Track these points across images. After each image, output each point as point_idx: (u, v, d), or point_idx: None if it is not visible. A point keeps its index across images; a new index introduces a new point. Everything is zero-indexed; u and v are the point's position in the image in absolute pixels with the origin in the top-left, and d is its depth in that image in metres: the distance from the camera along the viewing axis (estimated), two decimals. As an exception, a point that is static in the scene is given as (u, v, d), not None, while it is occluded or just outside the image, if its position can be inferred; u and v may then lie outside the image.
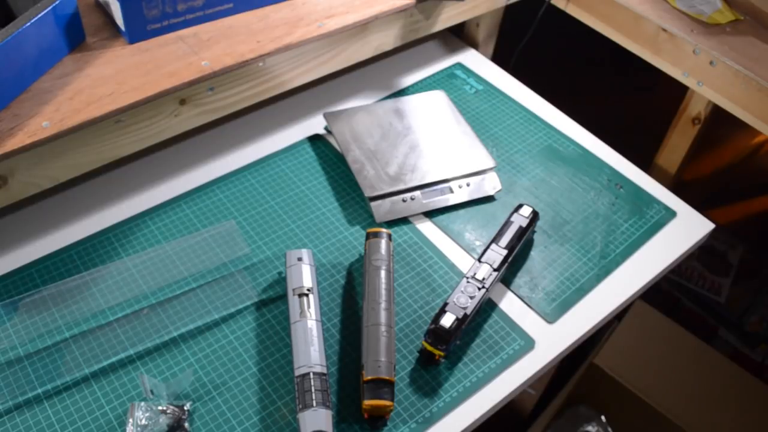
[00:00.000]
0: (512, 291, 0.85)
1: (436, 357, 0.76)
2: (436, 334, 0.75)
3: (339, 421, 0.72)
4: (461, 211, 0.94)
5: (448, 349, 0.75)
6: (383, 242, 0.82)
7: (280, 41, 0.89)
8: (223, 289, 0.82)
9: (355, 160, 0.94)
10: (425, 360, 0.77)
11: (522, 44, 1.24)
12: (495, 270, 0.81)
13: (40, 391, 0.71)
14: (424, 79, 1.14)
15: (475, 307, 0.77)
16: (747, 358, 1.43)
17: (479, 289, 0.78)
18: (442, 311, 0.76)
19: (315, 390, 0.69)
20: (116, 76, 0.81)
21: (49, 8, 0.78)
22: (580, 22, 1.14)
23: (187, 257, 0.84)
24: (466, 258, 0.88)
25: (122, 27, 0.85)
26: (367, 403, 0.70)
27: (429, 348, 0.76)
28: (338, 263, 0.86)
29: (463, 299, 0.77)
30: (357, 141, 0.97)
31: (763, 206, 1.50)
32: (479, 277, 0.80)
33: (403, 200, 0.92)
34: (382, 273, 0.80)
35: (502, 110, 1.10)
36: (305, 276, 0.79)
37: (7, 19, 0.75)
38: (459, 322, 0.75)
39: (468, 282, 0.79)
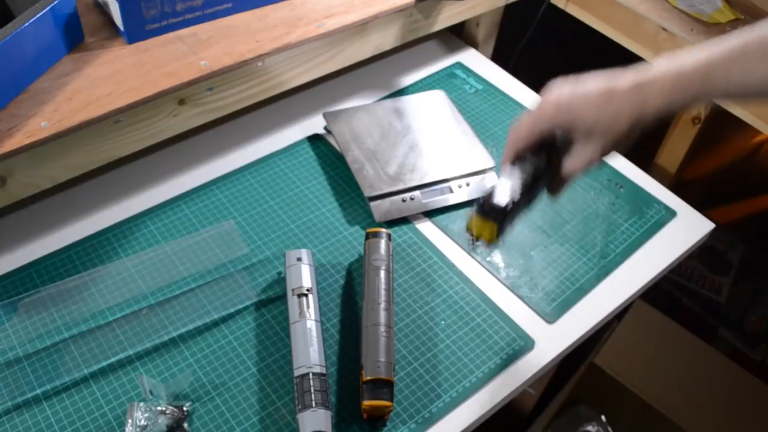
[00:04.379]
0: (512, 291, 0.85)
1: (488, 237, 0.64)
2: (487, 209, 0.63)
3: (338, 421, 0.71)
4: (461, 211, 0.94)
5: (503, 227, 0.64)
6: (383, 242, 0.82)
7: (279, 41, 0.89)
8: (223, 290, 0.81)
9: (355, 159, 0.94)
10: (475, 244, 0.66)
11: (522, 44, 1.24)
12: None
13: (39, 391, 0.71)
14: (424, 79, 1.14)
15: (530, 184, 0.65)
16: (747, 358, 1.43)
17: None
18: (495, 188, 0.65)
19: (314, 390, 0.69)
20: (115, 76, 0.81)
21: (48, 8, 0.77)
22: (580, 22, 1.14)
23: (187, 257, 0.84)
24: (466, 258, 0.88)
25: (121, 27, 0.85)
26: (367, 403, 0.70)
27: (476, 226, 0.64)
28: (338, 263, 0.86)
29: (518, 174, 0.65)
30: (356, 141, 0.97)
31: (763, 206, 1.50)
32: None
33: (403, 200, 0.92)
34: (382, 273, 0.79)
35: (502, 110, 1.09)
36: (304, 276, 0.79)
37: (6, 18, 0.75)
38: (516, 199, 0.64)
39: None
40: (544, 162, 0.66)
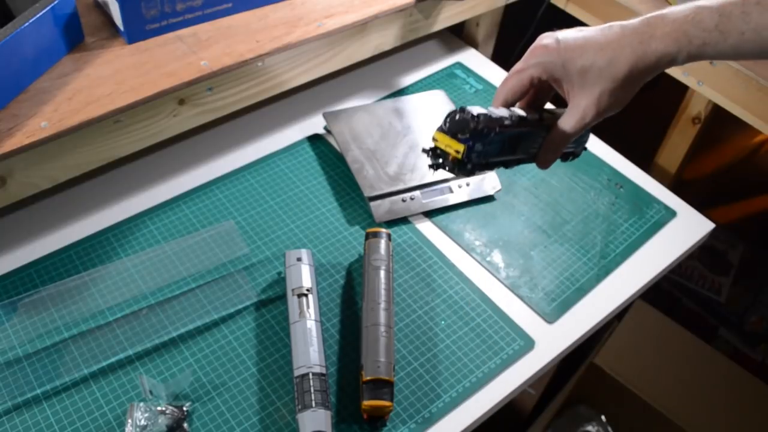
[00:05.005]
0: (512, 291, 0.85)
1: (452, 156, 0.57)
2: (456, 119, 0.56)
3: (338, 421, 0.71)
4: (461, 211, 0.94)
5: (472, 147, 0.56)
6: (383, 242, 0.82)
7: (279, 41, 0.89)
8: (223, 290, 0.81)
9: (355, 159, 0.94)
10: (437, 163, 0.59)
11: (522, 44, 1.24)
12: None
13: (39, 391, 0.71)
14: (424, 79, 1.14)
15: (513, 121, 0.59)
16: (747, 357, 1.43)
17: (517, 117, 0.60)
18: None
19: (314, 390, 0.69)
20: (115, 76, 0.81)
21: (48, 8, 0.77)
22: (580, 22, 1.14)
23: (186, 257, 0.84)
24: (466, 258, 0.88)
25: (121, 27, 0.85)
26: (367, 403, 0.70)
27: (442, 140, 0.56)
28: (338, 263, 0.86)
29: (501, 111, 0.59)
30: (356, 141, 0.97)
31: (763, 206, 1.50)
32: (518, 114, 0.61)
33: (403, 200, 0.92)
34: (382, 273, 0.79)
35: (502, 110, 1.09)
36: (304, 276, 0.79)
37: (6, 18, 0.75)
38: (490, 119, 0.56)
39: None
40: (536, 118, 0.60)
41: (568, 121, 0.58)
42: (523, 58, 0.59)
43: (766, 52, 0.51)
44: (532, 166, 1.01)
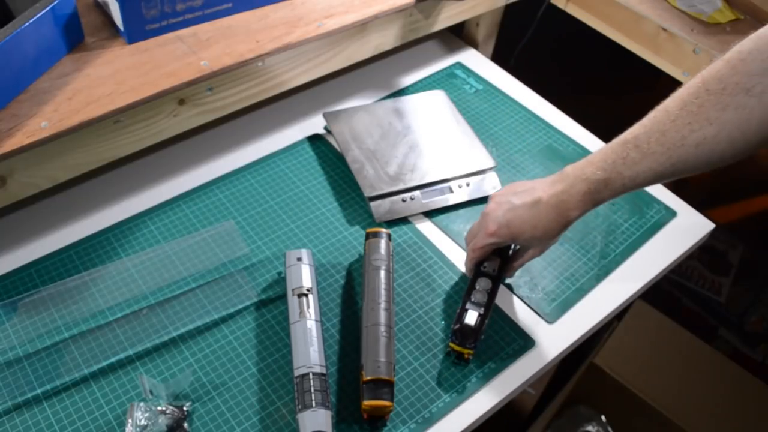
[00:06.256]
0: (512, 291, 0.85)
1: (466, 356, 0.76)
2: (462, 332, 0.75)
3: (338, 421, 0.72)
4: (461, 211, 0.94)
5: (475, 346, 0.76)
6: (383, 242, 0.82)
7: (279, 41, 0.89)
8: (223, 290, 0.82)
9: (355, 159, 0.94)
10: (456, 360, 0.78)
11: (522, 44, 1.24)
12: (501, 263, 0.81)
13: (39, 391, 0.71)
14: (424, 79, 1.14)
15: (492, 301, 0.79)
16: (747, 358, 1.43)
17: (492, 282, 0.80)
18: (464, 310, 0.77)
19: (314, 390, 0.69)
20: (115, 76, 0.81)
21: (48, 8, 0.78)
22: (580, 22, 1.14)
23: (187, 257, 0.84)
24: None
25: (121, 27, 0.85)
26: (367, 403, 0.70)
27: (456, 348, 0.76)
28: (338, 263, 0.86)
29: (479, 295, 0.78)
30: (357, 141, 0.97)
31: (763, 206, 1.50)
32: (489, 270, 0.80)
33: (403, 200, 0.92)
34: (382, 273, 0.79)
35: (502, 110, 1.09)
36: (305, 276, 0.79)
37: (6, 18, 0.75)
38: (482, 317, 0.76)
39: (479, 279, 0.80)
40: (498, 263, 0.81)
41: (522, 260, 0.81)
42: (482, 234, 0.77)
43: (660, 180, 0.68)
44: (532, 165, 1.01)
